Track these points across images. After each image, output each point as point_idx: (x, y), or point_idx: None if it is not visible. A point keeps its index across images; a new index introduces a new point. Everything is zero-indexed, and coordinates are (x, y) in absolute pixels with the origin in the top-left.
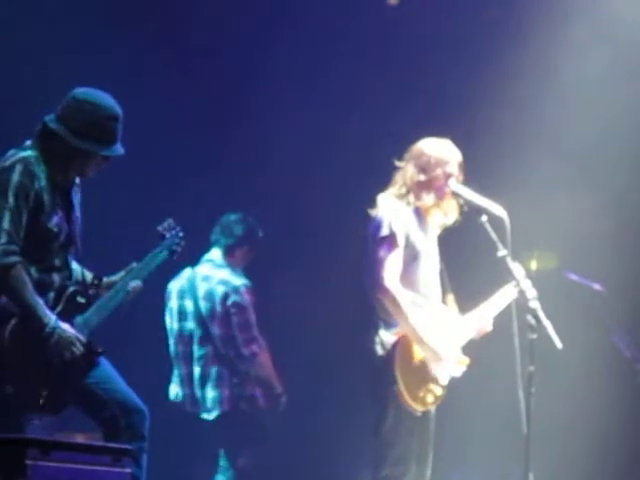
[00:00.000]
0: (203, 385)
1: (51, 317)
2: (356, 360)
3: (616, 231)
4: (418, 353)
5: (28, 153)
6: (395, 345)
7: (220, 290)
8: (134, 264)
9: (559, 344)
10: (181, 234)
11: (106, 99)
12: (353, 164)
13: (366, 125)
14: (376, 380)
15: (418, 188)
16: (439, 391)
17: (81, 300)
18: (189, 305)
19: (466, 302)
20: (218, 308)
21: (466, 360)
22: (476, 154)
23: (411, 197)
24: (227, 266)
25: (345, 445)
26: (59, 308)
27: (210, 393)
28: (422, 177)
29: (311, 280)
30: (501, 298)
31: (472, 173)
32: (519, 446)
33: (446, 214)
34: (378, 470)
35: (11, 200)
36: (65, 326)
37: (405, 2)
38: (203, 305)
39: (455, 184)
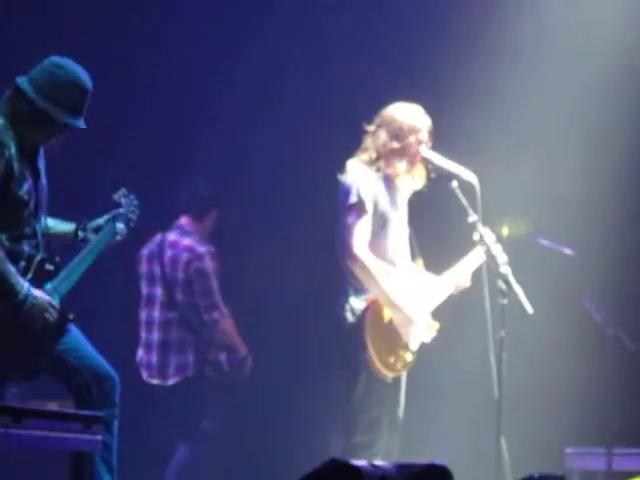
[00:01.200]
0: (167, 351)
1: (23, 284)
2: (330, 327)
3: (587, 195)
4: (388, 319)
5: None
6: (365, 311)
7: (184, 257)
8: (120, 209)
9: (530, 309)
10: (136, 202)
11: (81, 70)
12: (325, 139)
13: (338, 101)
14: (347, 347)
15: (391, 155)
16: (409, 357)
17: (49, 267)
18: (157, 270)
19: (435, 268)
20: (181, 275)
21: (436, 325)
22: (446, 118)
23: (382, 163)
24: (194, 233)
25: (320, 412)
26: (29, 276)
27: (174, 358)
28: (395, 144)
29: (285, 248)
30: (471, 260)
31: (442, 137)
32: (491, 411)
33: (414, 178)
34: (350, 437)
35: None
36: (38, 292)
37: None
38: (168, 271)
39: (426, 150)
